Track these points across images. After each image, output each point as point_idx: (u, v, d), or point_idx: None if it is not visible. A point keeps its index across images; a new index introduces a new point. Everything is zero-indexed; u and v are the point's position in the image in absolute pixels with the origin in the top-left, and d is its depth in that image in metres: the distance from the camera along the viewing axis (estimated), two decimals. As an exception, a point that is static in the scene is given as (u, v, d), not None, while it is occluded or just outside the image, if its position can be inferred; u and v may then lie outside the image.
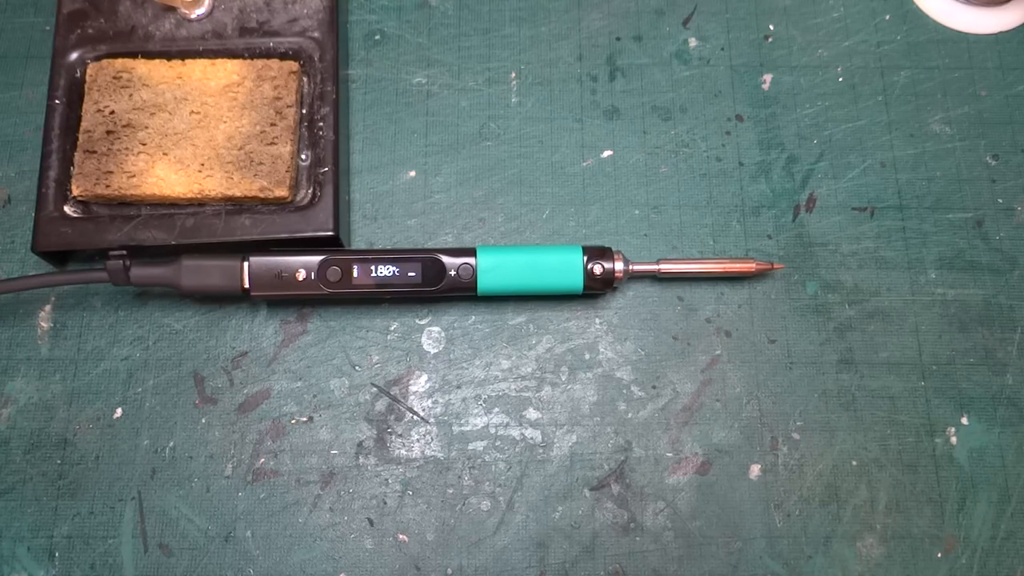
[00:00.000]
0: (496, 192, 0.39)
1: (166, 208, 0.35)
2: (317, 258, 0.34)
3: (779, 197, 0.39)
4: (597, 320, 0.37)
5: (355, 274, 0.34)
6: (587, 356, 0.36)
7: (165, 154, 0.35)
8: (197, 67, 0.36)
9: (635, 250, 0.38)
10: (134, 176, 0.35)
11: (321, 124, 0.37)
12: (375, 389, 0.36)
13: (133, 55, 0.37)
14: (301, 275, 0.34)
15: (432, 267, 0.34)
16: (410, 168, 0.39)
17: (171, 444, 0.35)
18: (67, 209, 0.35)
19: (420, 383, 0.36)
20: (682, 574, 0.34)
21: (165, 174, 0.35)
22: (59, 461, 0.34)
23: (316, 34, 0.38)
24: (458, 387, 0.36)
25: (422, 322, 0.37)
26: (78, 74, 0.37)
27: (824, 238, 0.38)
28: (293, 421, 0.35)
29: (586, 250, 0.35)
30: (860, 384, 0.36)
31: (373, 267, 0.34)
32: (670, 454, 0.35)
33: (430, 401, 0.36)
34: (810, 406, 0.36)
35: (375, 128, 0.39)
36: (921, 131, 0.40)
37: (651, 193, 0.39)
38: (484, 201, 0.39)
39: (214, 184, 0.35)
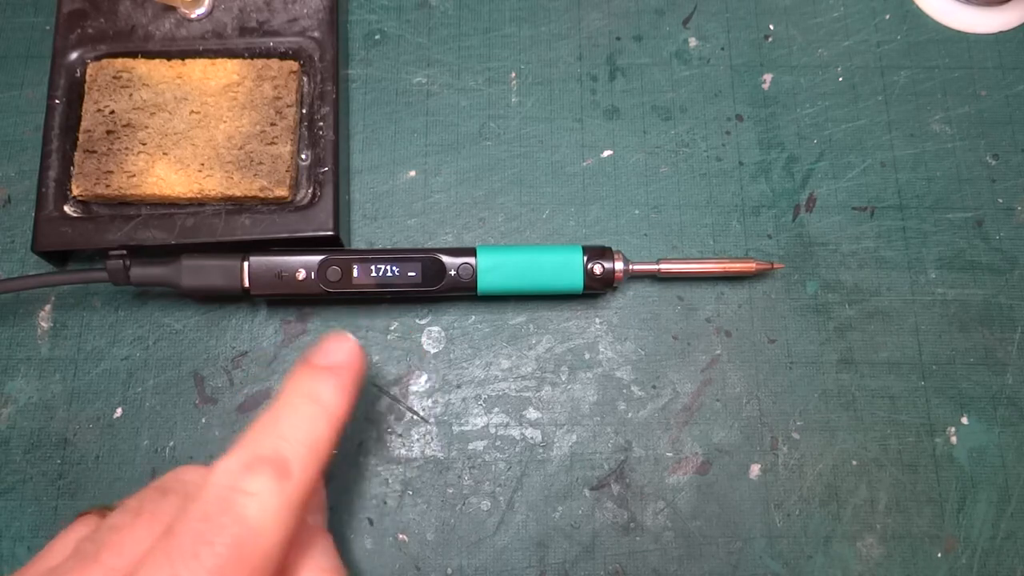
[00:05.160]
0: (496, 192, 0.39)
1: (166, 208, 0.35)
2: (317, 258, 0.34)
3: (779, 197, 0.39)
4: (597, 320, 0.37)
5: (355, 274, 0.34)
6: (587, 356, 0.36)
7: (165, 154, 0.35)
8: (197, 67, 0.36)
9: (635, 250, 0.38)
10: (134, 176, 0.35)
11: (321, 124, 0.37)
12: (375, 389, 0.36)
13: (133, 55, 0.37)
14: (301, 275, 0.34)
15: (432, 267, 0.34)
16: (410, 168, 0.39)
17: (171, 444, 0.35)
18: (67, 209, 0.35)
19: (420, 383, 0.36)
20: (682, 574, 0.34)
21: (165, 174, 0.35)
22: (59, 461, 0.34)
23: (316, 34, 0.38)
24: (458, 387, 0.36)
25: (422, 322, 0.37)
26: (78, 74, 0.37)
27: (824, 238, 0.38)
28: (293, 421, 0.35)
29: (586, 250, 0.35)
30: (860, 384, 0.36)
31: (373, 267, 0.34)
32: (670, 454, 0.35)
33: (430, 401, 0.36)
34: (810, 406, 0.36)
35: (375, 128, 0.39)
36: (921, 131, 0.40)
37: (651, 193, 0.39)
38: (484, 201, 0.39)
39: (214, 184, 0.35)
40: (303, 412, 0.25)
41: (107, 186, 0.35)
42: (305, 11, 0.38)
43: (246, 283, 0.34)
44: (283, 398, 0.25)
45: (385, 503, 0.34)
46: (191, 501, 0.22)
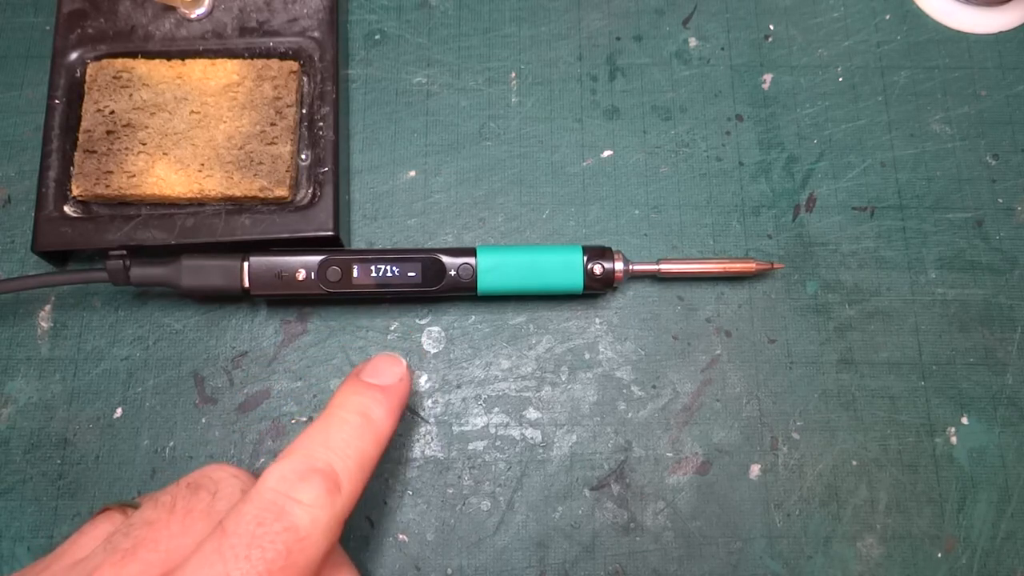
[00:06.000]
0: (496, 192, 0.39)
1: (166, 208, 0.35)
2: (317, 258, 0.34)
3: (779, 197, 0.39)
4: (597, 320, 0.37)
5: (355, 274, 0.34)
6: (587, 356, 0.36)
7: (165, 154, 0.35)
8: (197, 67, 0.36)
9: (635, 250, 0.38)
10: (134, 176, 0.35)
11: (321, 124, 0.37)
12: (375, 389, 0.36)
13: (133, 55, 0.37)
14: (301, 275, 0.34)
15: (432, 267, 0.34)
16: (410, 168, 0.39)
17: (171, 444, 0.35)
18: (67, 209, 0.35)
19: (420, 383, 0.36)
20: (682, 574, 0.34)
21: (165, 174, 0.35)
22: (59, 461, 0.34)
23: (316, 34, 0.38)
24: (458, 387, 0.36)
25: (422, 322, 0.37)
26: (78, 74, 0.37)
27: (824, 238, 0.38)
28: (293, 421, 0.35)
29: (586, 250, 0.35)
30: (860, 384, 0.36)
31: (373, 267, 0.34)
32: (670, 454, 0.35)
33: (430, 401, 0.36)
34: (810, 406, 0.36)
35: (375, 128, 0.39)
36: (921, 131, 0.40)
37: (651, 193, 0.39)
38: (484, 201, 0.39)
39: (214, 184, 0.35)
40: (354, 426, 0.26)
41: (107, 186, 0.35)
42: (305, 11, 0.38)
43: (246, 283, 0.34)
44: (334, 409, 0.26)
45: (385, 503, 0.34)
46: (244, 501, 0.22)
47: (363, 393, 0.27)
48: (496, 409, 0.36)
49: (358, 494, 0.25)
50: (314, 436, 0.25)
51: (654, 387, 0.36)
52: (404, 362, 0.29)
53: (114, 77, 0.36)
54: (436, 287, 0.34)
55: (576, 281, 0.35)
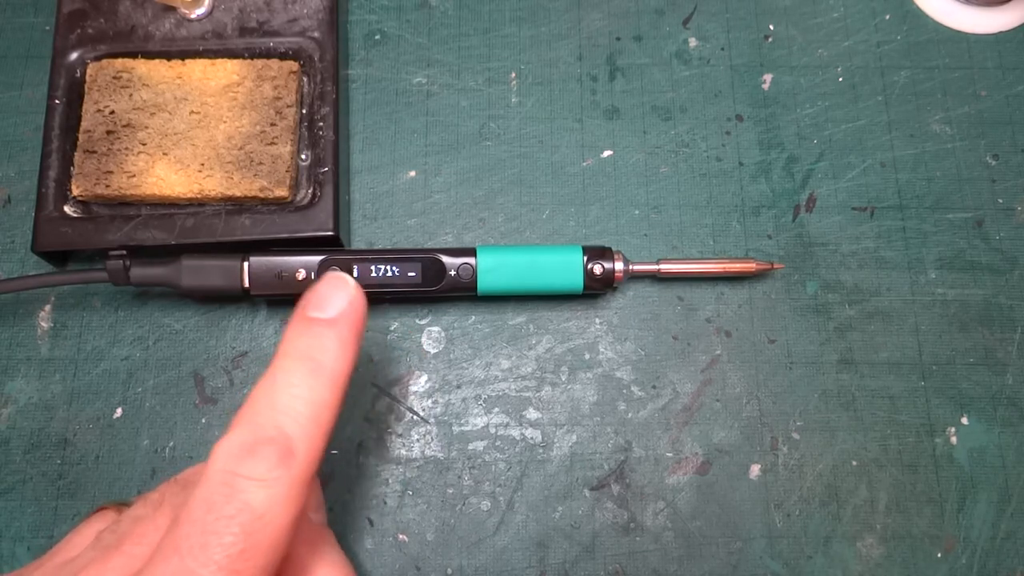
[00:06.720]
0: (496, 192, 0.39)
1: (166, 208, 0.35)
2: (317, 258, 0.34)
3: (779, 197, 0.39)
4: (597, 320, 0.37)
5: (355, 274, 0.34)
6: (587, 356, 0.36)
7: (165, 154, 0.35)
8: (197, 67, 0.36)
9: (635, 250, 0.38)
10: (134, 176, 0.35)
11: (321, 124, 0.37)
12: (375, 389, 0.36)
13: (133, 55, 0.37)
14: (301, 275, 0.34)
15: (432, 267, 0.34)
16: (410, 168, 0.39)
17: (171, 444, 0.35)
18: (67, 209, 0.35)
19: (420, 383, 0.36)
20: (682, 574, 0.34)
21: (165, 174, 0.35)
22: (59, 461, 0.34)
23: (316, 34, 0.38)
24: (458, 387, 0.36)
25: (422, 322, 0.37)
26: (78, 74, 0.37)
27: (824, 238, 0.38)
28: (293, 421, 0.35)
29: (586, 250, 0.35)
30: (860, 384, 0.36)
31: (373, 267, 0.34)
32: (670, 454, 0.35)
33: (430, 401, 0.36)
34: (810, 406, 0.36)
35: (375, 128, 0.39)
36: (921, 131, 0.40)
37: (651, 193, 0.39)
38: (484, 201, 0.39)
39: (214, 184, 0.35)
40: (302, 376, 0.23)
41: (107, 186, 0.35)
42: (305, 11, 0.38)
43: (246, 283, 0.34)
44: (279, 360, 0.24)
45: (385, 503, 0.34)
46: (195, 488, 0.21)
47: (308, 333, 0.24)
48: (496, 409, 0.36)
49: (319, 451, 0.23)
50: (260, 399, 0.23)
51: (654, 387, 0.36)
52: (351, 281, 0.25)
53: (114, 77, 0.36)
54: (436, 287, 0.34)
55: (576, 281, 0.35)
